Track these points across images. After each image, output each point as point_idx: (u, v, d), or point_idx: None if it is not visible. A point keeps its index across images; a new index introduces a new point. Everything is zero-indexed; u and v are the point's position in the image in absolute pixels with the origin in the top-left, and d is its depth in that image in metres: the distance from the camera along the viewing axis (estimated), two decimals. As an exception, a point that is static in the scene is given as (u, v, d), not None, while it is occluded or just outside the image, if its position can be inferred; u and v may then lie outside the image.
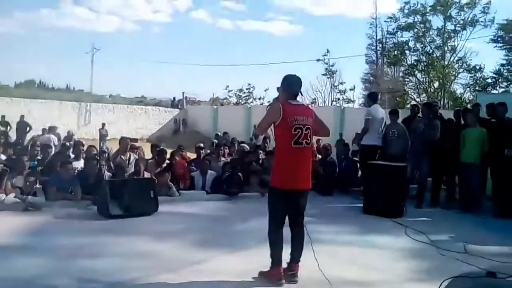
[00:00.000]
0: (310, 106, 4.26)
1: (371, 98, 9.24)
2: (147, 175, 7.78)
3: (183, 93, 35.14)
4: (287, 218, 4.26)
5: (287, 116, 4.06)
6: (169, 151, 9.61)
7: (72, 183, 7.05)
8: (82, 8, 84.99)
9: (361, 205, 7.72)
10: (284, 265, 4.21)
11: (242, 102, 34.47)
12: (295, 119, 4.07)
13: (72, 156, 8.99)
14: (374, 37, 32.90)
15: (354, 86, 32.60)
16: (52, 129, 16.55)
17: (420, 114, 9.18)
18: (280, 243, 4.16)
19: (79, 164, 8.26)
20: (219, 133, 19.82)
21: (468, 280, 2.47)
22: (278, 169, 4.22)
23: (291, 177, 4.11)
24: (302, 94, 4.34)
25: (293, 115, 4.08)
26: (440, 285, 2.62)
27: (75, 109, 27.31)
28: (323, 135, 4.72)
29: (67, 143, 10.72)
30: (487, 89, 23.81)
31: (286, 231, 4.26)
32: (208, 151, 10.62)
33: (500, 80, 24.65)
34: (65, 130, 18.62)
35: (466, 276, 2.53)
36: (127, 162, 8.83)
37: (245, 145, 11.40)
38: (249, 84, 35.53)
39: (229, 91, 36.15)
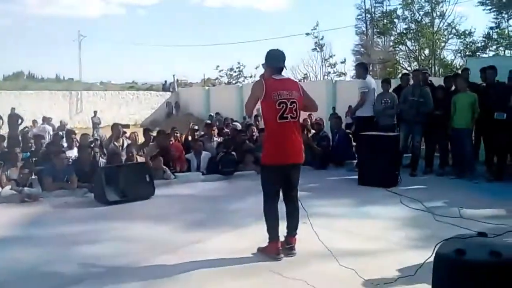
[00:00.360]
0: (296, 80, 4.23)
1: (364, 69, 9.05)
2: (140, 160, 7.79)
3: (174, 75, 34.97)
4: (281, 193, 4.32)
5: (270, 92, 4.06)
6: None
7: (67, 172, 7.06)
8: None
9: (356, 177, 7.77)
10: (282, 239, 4.27)
11: (234, 82, 34.28)
12: (279, 93, 4.06)
13: (65, 145, 8.98)
14: (363, 7, 32.70)
15: (345, 59, 32.45)
16: (46, 120, 16.59)
17: (411, 82, 9.18)
18: (276, 219, 4.22)
19: (73, 153, 8.27)
20: (212, 114, 19.80)
21: (459, 241, 2.53)
22: (267, 146, 4.27)
23: (280, 152, 4.13)
24: (286, 68, 4.32)
25: (277, 90, 4.07)
26: (434, 248, 2.67)
27: (66, 98, 27.18)
28: (311, 111, 4.70)
29: (60, 133, 10.67)
30: (477, 54, 23.73)
31: (282, 207, 4.31)
32: (202, 132, 10.61)
33: (490, 44, 24.54)
34: (57, 120, 18.57)
35: (457, 238, 2.58)
36: (121, 148, 8.86)
37: (237, 124, 11.32)
38: (239, 63, 35.30)
39: (220, 71, 35.96)
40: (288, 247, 4.25)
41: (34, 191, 6.61)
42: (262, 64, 4.32)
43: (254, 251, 4.29)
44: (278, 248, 4.18)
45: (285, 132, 4.12)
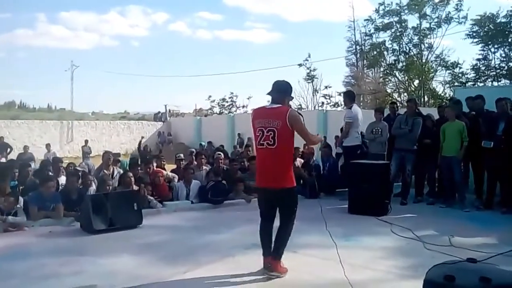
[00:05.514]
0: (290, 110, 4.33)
1: (350, 98, 8.98)
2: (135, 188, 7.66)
3: (165, 105, 35.12)
4: None
5: (254, 119, 4.41)
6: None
7: (53, 201, 6.91)
8: (59, 26, 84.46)
9: (346, 206, 7.70)
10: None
11: (226, 112, 34.44)
12: (259, 121, 4.32)
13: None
14: (353, 39, 33.21)
15: (342, 92, 32.74)
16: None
17: (399, 112, 9.24)
18: (263, 234, 4.44)
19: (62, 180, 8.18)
20: (202, 143, 19.82)
21: (449, 267, 2.48)
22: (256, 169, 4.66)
23: (259, 176, 4.45)
24: (281, 97, 4.37)
25: (258, 118, 4.36)
26: (426, 275, 2.62)
27: (57, 128, 27.09)
28: (307, 142, 5.13)
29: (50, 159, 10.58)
30: (466, 85, 24.05)
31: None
32: (188, 161, 10.50)
33: (480, 75, 24.90)
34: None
35: (446, 264, 2.53)
36: (110, 176, 8.77)
37: (220, 154, 10.97)
38: (231, 93, 35.58)
39: (212, 101, 36.20)
40: (265, 267, 4.38)
41: (19, 220, 6.45)
42: None
43: (240, 280, 4.22)
44: (264, 263, 4.41)
45: (262, 158, 4.40)
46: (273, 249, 4.37)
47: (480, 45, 24.06)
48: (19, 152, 16.09)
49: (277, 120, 4.22)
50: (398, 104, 9.73)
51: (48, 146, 18.44)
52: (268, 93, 4.40)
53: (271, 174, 4.32)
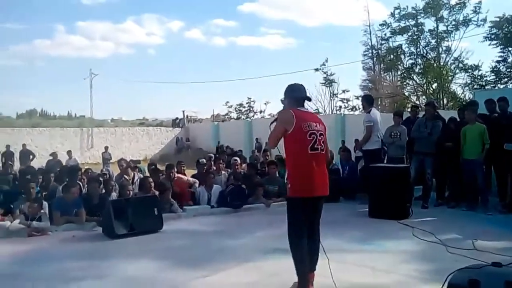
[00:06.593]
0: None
1: (369, 102, 8.96)
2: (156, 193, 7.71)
3: (183, 111, 35.34)
4: None
5: (300, 122, 3.89)
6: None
7: (76, 206, 7.02)
8: (76, 36, 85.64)
9: (367, 209, 7.65)
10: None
11: (244, 117, 34.55)
12: (308, 124, 3.91)
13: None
14: (369, 44, 33.06)
15: (361, 96, 32.68)
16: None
17: (419, 116, 9.15)
18: (304, 255, 3.90)
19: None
20: (221, 143, 19.91)
21: (473, 271, 2.45)
22: (295, 178, 3.99)
23: (310, 184, 3.92)
24: (310, 100, 4.25)
25: (306, 121, 3.92)
26: (446, 279, 2.59)
27: (77, 135, 27.50)
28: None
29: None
30: (486, 87, 23.69)
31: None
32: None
33: (500, 77, 24.51)
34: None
35: (470, 268, 2.50)
36: (131, 181, 8.88)
37: (237, 159, 10.93)
38: (249, 98, 35.70)
39: (229, 107, 36.36)
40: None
41: (43, 225, 6.57)
42: (281, 100, 4.16)
43: (260, 285, 4.20)
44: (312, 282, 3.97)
45: (315, 164, 3.92)
46: (314, 263, 4.03)
47: (500, 47, 23.69)
48: (48, 159, 16.34)
49: (322, 125, 4.08)
50: (419, 108, 9.61)
51: (69, 153, 18.72)
52: (307, 98, 4.16)
53: (324, 180, 4.02)
